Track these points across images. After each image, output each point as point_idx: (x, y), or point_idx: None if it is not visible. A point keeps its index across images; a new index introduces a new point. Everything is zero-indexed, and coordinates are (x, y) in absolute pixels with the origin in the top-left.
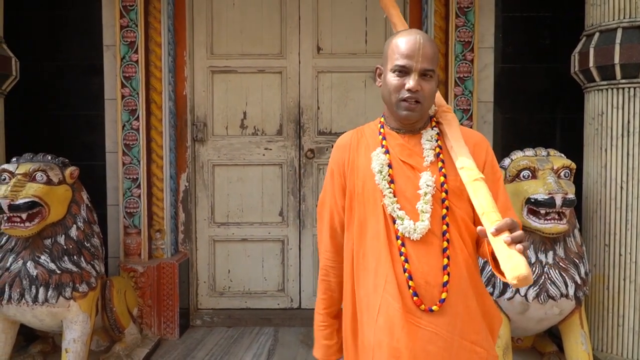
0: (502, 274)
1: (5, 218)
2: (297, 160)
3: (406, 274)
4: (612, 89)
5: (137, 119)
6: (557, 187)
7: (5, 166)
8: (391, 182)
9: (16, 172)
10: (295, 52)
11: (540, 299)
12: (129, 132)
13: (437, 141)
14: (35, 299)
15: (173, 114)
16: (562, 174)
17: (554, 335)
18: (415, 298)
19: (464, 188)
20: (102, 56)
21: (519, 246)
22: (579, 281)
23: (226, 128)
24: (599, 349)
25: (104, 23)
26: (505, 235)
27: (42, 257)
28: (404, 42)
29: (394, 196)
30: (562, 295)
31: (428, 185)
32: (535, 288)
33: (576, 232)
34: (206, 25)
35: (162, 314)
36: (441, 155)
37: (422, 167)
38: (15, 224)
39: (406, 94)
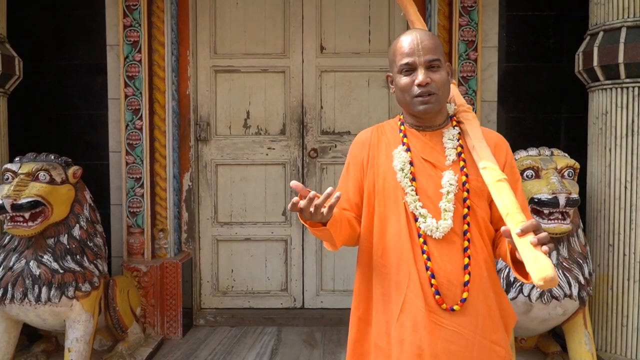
0: (522, 275)
1: (8, 217)
2: (300, 160)
3: (429, 272)
4: (616, 88)
5: (141, 118)
6: (561, 187)
7: (8, 166)
8: (413, 179)
9: (19, 171)
10: (299, 51)
11: (544, 299)
12: (132, 132)
13: (458, 140)
14: (38, 299)
15: (176, 113)
16: (565, 173)
17: (557, 335)
18: (437, 297)
19: (484, 188)
20: (106, 56)
21: (545, 248)
22: (582, 281)
23: (229, 127)
24: (603, 349)
25: (107, 23)
26: (532, 237)
27: (45, 256)
28: (403, 42)
29: (416, 194)
30: (565, 295)
31: (451, 184)
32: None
33: (580, 232)
34: (209, 25)
35: (165, 313)
36: (463, 155)
37: (444, 166)
38: (18, 223)
39: (417, 90)
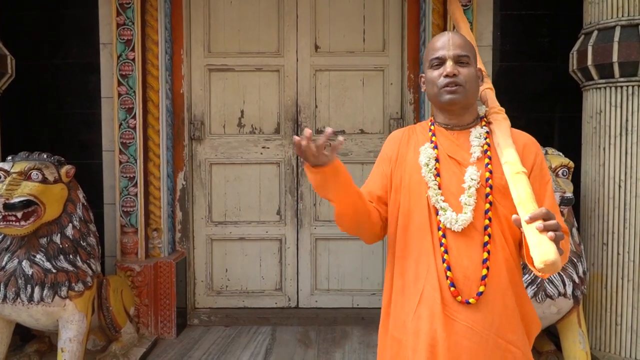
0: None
1: (0, 217)
2: (294, 159)
3: (445, 265)
4: (610, 87)
5: (134, 117)
6: (555, 186)
7: (1, 165)
8: (437, 175)
9: (11, 170)
10: (293, 50)
11: (538, 298)
12: (125, 131)
13: (485, 139)
14: (30, 298)
15: (170, 112)
16: (560, 172)
17: (551, 334)
18: (452, 289)
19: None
20: (99, 54)
21: (551, 233)
22: (576, 280)
23: (223, 126)
24: (597, 347)
25: (101, 21)
26: (539, 223)
27: (38, 256)
28: (436, 39)
29: (439, 188)
30: (560, 294)
31: (472, 180)
32: (533, 287)
33: (574, 231)
34: (203, 23)
35: (159, 313)
36: (488, 152)
37: (468, 163)
38: (11, 222)
39: (445, 81)
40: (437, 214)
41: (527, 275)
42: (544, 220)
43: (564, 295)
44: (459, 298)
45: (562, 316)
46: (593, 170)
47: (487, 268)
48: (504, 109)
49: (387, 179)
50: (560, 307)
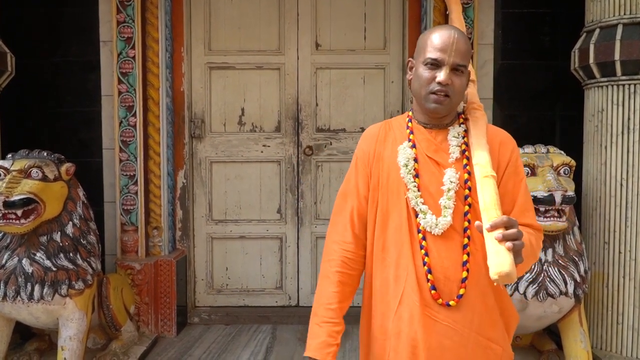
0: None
1: (0, 215)
2: (295, 157)
3: (425, 267)
4: (612, 85)
5: (134, 115)
6: (557, 185)
7: (0, 162)
8: (416, 176)
9: (11, 168)
10: (294, 48)
11: (539, 297)
12: (125, 129)
13: (463, 138)
14: (30, 297)
15: (170, 110)
16: (561, 171)
17: (553, 333)
18: (433, 292)
19: None
20: (99, 52)
21: (509, 244)
22: (578, 279)
23: (224, 125)
24: (598, 346)
25: (101, 19)
26: (498, 232)
27: (38, 254)
28: (439, 36)
29: (418, 190)
30: (561, 293)
31: (451, 182)
32: (535, 286)
33: (575, 229)
34: (204, 21)
35: (160, 311)
36: (466, 153)
37: (447, 164)
38: (10, 220)
39: (436, 87)
40: (416, 216)
41: (528, 274)
42: (505, 228)
43: (566, 294)
44: (440, 301)
45: (564, 315)
46: (595, 168)
47: (468, 270)
48: (482, 105)
49: (368, 178)
50: (561, 306)
